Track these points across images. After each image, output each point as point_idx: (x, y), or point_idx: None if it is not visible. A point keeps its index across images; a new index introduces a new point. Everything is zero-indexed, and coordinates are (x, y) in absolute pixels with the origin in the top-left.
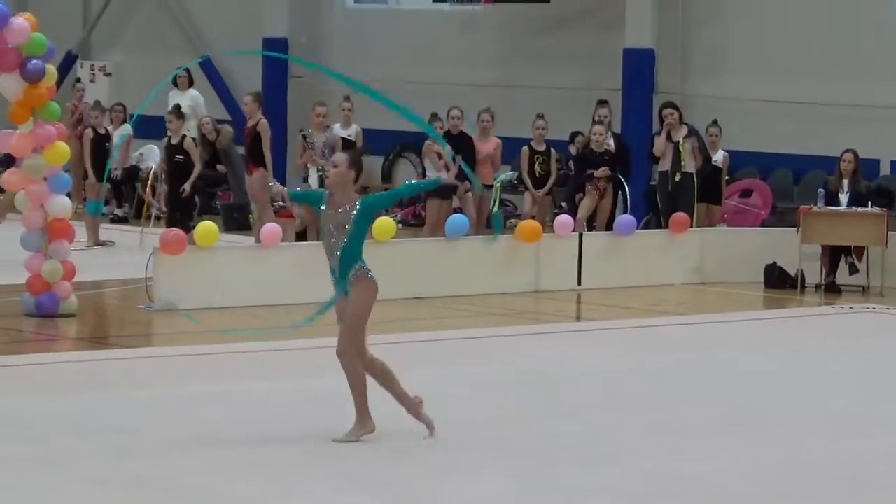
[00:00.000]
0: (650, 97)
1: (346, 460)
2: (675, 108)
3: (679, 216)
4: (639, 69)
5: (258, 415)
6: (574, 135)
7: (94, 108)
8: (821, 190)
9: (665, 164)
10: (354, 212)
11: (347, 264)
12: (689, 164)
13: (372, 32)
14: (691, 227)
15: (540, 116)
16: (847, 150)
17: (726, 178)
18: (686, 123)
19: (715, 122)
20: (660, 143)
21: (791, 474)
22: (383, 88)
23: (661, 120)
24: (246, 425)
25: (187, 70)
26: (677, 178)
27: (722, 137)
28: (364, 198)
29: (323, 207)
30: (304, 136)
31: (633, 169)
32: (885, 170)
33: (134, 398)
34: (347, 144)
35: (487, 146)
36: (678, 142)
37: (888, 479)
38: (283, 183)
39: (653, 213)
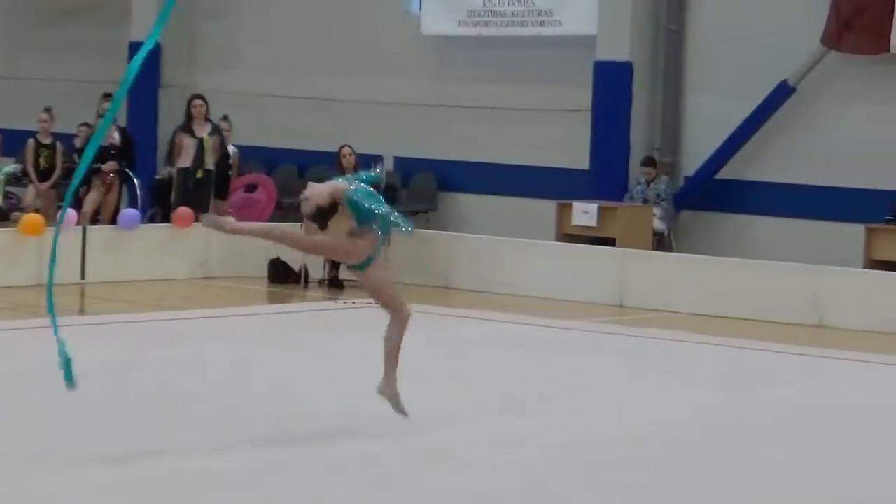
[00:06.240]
0: (155, 90)
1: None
2: (205, 100)
3: (183, 210)
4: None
5: None
6: (80, 126)
7: None
8: None
9: (186, 161)
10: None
11: None
12: (211, 161)
13: None
14: (198, 221)
15: (46, 109)
16: (344, 145)
17: (230, 172)
18: (210, 120)
19: (226, 118)
20: (185, 140)
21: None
22: None
23: (189, 111)
24: None
25: None
26: (199, 174)
27: (232, 132)
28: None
29: None
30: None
31: (139, 162)
32: (388, 165)
33: None
34: None
35: None
36: (202, 138)
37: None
38: None
39: (159, 207)
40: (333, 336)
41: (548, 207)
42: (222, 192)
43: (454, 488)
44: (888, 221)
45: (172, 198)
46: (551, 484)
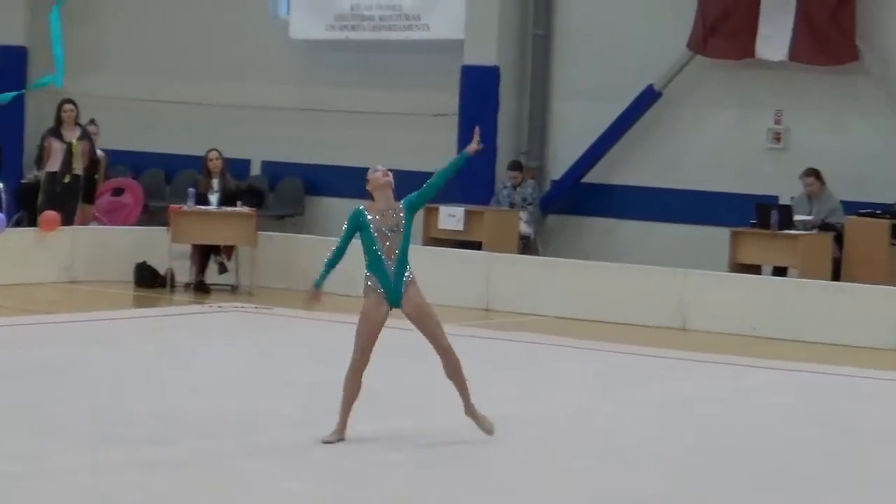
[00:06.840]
0: (22, 96)
1: None
2: (75, 105)
3: (48, 214)
4: (10, 68)
5: None
6: None
7: None
8: (191, 189)
9: (55, 165)
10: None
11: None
12: (79, 166)
13: None
14: (68, 225)
15: None
16: (211, 149)
17: (96, 176)
18: (80, 124)
19: (93, 121)
20: (53, 144)
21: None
22: None
23: (59, 115)
24: None
25: None
26: (67, 179)
27: (99, 135)
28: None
29: (369, 218)
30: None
31: (5, 167)
32: (255, 169)
33: None
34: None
35: None
36: (71, 143)
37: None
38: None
39: (25, 212)
40: (201, 339)
41: None
42: (89, 197)
43: (314, 491)
44: (753, 225)
45: (39, 202)
46: (414, 486)
